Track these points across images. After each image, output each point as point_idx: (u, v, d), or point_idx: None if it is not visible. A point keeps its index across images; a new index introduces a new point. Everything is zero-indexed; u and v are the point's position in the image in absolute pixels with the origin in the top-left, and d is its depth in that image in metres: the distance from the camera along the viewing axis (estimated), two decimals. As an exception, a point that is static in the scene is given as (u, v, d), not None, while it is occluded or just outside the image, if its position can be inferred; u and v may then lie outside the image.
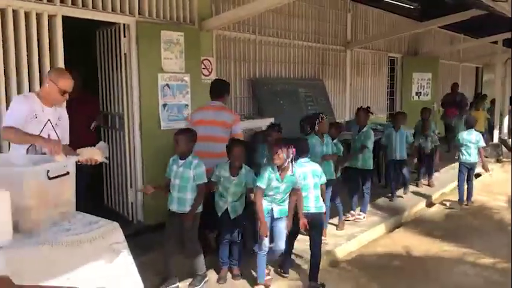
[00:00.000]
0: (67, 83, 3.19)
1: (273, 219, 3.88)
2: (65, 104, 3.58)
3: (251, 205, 4.08)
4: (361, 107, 6.23)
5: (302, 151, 4.11)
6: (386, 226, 5.87)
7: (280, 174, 3.74)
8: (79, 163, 3.02)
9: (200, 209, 3.87)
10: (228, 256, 4.14)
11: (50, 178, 2.57)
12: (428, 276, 4.44)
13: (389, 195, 6.96)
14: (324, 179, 4.20)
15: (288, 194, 3.88)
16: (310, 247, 4.07)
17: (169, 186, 3.88)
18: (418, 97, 11.58)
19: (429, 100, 11.39)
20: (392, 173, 7.07)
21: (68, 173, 2.72)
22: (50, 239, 2.47)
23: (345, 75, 9.52)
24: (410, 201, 6.94)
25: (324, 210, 4.18)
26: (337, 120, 7.65)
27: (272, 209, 3.86)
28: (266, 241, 3.85)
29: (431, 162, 7.97)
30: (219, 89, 4.75)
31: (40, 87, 3.32)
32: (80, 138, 4.39)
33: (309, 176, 4.08)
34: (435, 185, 7.90)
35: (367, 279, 4.35)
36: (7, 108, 4.07)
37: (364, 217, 5.87)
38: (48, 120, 3.22)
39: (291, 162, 3.78)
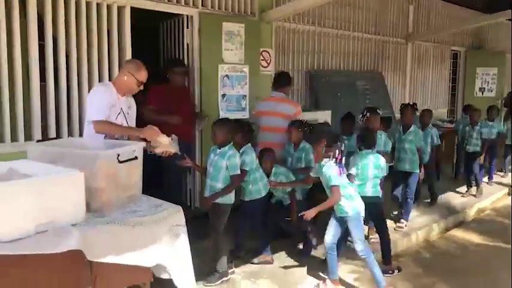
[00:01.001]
0: (144, 74, 3.36)
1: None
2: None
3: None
4: (408, 103, 5.71)
5: (367, 143, 4.13)
6: (444, 224, 5.74)
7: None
8: (150, 152, 3.17)
9: (231, 200, 3.79)
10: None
11: (120, 162, 2.72)
12: (483, 272, 4.35)
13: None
14: (384, 173, 4.23)
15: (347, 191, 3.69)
16: (376, 230, 4.35)
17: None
18: (482, 93, 11.11)
19: (494, 96, 10.90)
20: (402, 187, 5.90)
21: (136, 157, 2.86)
22: (119, 219, 2.62)
23: (405, 69, 9.30)
24: (470, 202, 6.71)
25: (380, 195, 4.18)
26: (396, 115, 7.51)
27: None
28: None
29: (473, 167, 6.88)
30: (282, 80, 4.92)
31: (116, 77, 3.45)
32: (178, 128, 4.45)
33: (370, 167, 4.08)
34: (481, 194, 6.91)
35: (424, 274, 4.31)
36: (79, 94, 4.37)
37: (405, 225, 5.29)
38: (121, 109, 3.39)
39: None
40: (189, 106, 5.07)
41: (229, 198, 3.78)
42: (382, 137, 4.81)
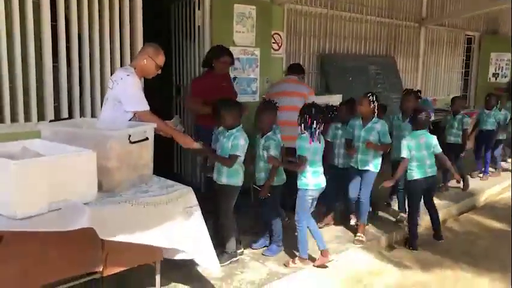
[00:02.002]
0: (162, 58, 3.41)
1: None
2: None
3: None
4: (411, 89, 5.30)
5: (418, 124, 4.36)
6: (456, 208, 5.76)
7: None
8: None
9: (238, 183, 3.74)
10: None
11: (131, 142, 2.74)
12: (495, 256, 4.35)
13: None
14: (437, 149, 4.38)
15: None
16: (426, 206, 4.61)
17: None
18: (496, 78, 10.95)
19: (508, 82, 10.74)
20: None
21: (147, 138, 2.89)
22: (130, 198, 2.66)
23: (417, 53, 9.20)
24: (482, 188, 6.70)
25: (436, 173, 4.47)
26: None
27: None
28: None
29: (455, 161, 5.96)
30: (298, 68, 5.30)
31: (135, 61, 3.44)
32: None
33: (422, 147, 4.34)
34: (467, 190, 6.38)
35: (435, 255, 4.35)
36: (91, 75, 4.38)
37: (401, 216, 4.99)
38: None
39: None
40: (232, 96, 4.80)
41: (236, 181, 3.74)
42: (376, 126, 4.34)
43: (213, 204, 3.87)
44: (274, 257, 3.99)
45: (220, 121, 3.77)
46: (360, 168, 4.40)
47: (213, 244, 3.09)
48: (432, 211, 4.65)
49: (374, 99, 4.28)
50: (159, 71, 3.44)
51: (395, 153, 4.80)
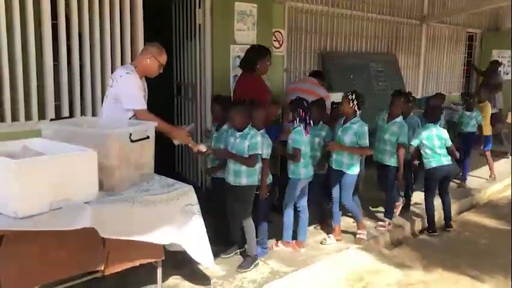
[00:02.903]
0: (165, 57, 3.43)
1: None
2: None
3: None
4: (401, 91, 5.00)
5: (432, 117, 4.80)
6: (456, 207, 5.70)
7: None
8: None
9: (255, 181, 3.70)
10: None
11: (132, 141, 2.74)
12: (496, 255, 4.32)
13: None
14: (447, 143, 4.73)
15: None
16: (441, 195, 4.96)
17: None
18: (497, 76, 10.90)
19: (510, 80, 10.71)
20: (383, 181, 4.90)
21: (148, 137, 2.88)
22: (131, 197, 2.66)
23: (419, 51, 9.17)
24: (484, 186, 6.68)
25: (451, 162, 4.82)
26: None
27: None
28: None
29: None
30: (320, 73, 5.57)
31: (137, 60, 3.46)
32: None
33: (434, 137, 4.73)
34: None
35: (431, 256, 4.32)
36: (91, 74, 4.38)
37: (389, 223, 4.74)
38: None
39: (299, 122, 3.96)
40: (270, 95, 4.69)
41: (255, 179, 3.69)
42: (353, 127, 4.12)
43: (214, 204, 3.88)
44: (275, 256, 3.98)
45: (230, 122, 3.77)
46: (334, 168, 4.22)
47: (215, 243, 3.09)
48: (446, 200, 4.99)
49: (354, 98, 4.11)
50: (161, 70, 3.44)
51: (379, 156, 4.68)
